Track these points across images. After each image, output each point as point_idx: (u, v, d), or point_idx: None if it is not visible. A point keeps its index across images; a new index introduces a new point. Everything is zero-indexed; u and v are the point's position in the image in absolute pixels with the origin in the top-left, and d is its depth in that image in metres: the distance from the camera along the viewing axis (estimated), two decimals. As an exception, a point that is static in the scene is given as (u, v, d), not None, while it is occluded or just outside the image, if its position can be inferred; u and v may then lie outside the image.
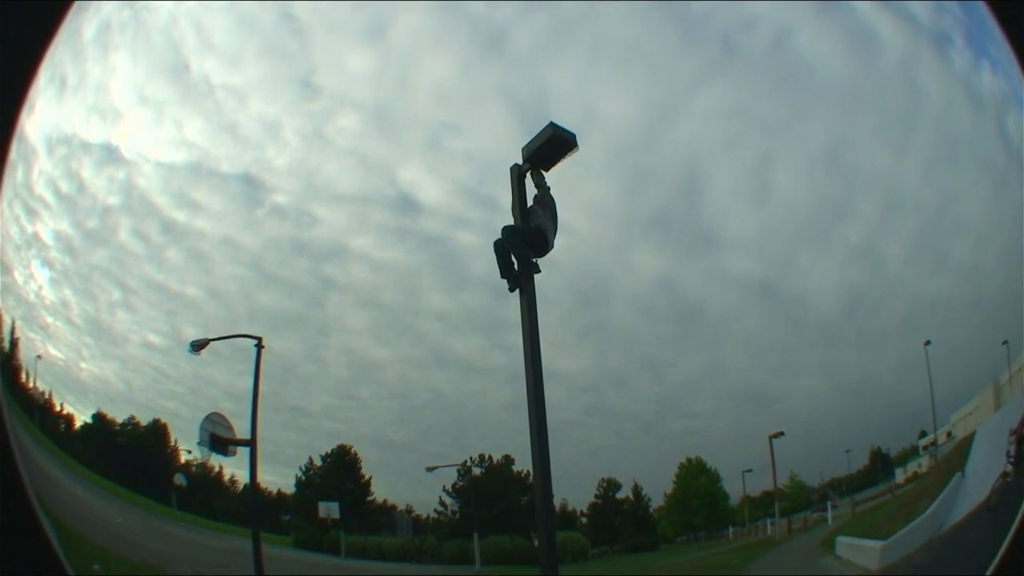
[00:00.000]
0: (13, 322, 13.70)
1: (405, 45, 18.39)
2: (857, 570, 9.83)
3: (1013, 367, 9.02)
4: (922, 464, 12.46)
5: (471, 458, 18.18)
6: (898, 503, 11.46)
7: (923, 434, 12.52)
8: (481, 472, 18.19)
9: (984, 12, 3.96)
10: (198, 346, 13.39)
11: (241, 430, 12.55)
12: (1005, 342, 9.10)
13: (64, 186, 16.67)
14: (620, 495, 18.50)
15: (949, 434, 11.19)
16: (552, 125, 6.81)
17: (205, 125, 18.71)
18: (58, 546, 3.28)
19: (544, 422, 5.80)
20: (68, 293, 16.60)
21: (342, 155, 19.37)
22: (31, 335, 14.98)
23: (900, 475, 13.23)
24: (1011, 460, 7.71)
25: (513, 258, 6.56)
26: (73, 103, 16.38)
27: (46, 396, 15.16)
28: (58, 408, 15.64)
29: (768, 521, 16.07)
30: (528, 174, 6.96)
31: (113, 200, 17.68)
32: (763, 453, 14.79)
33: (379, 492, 18.37)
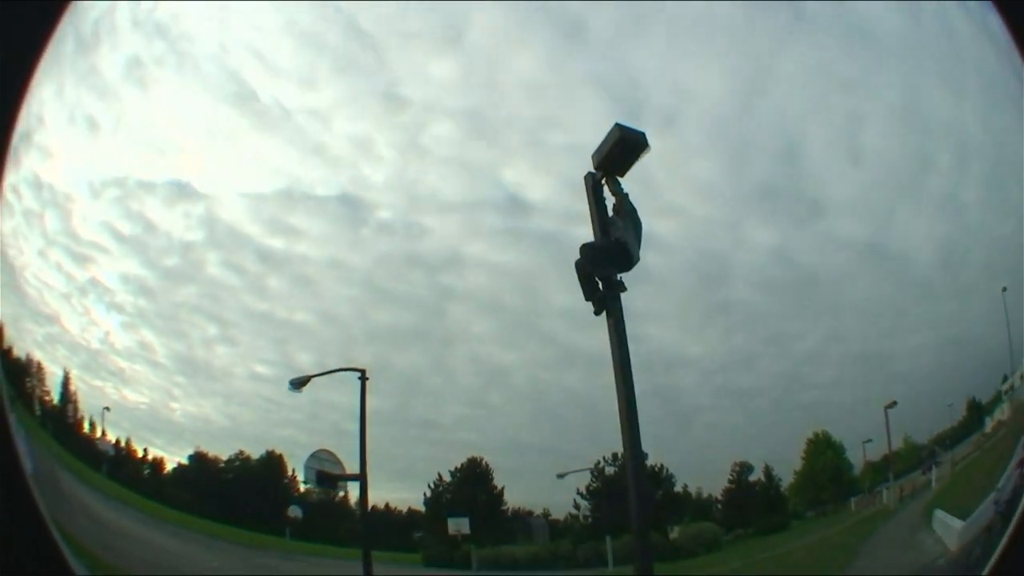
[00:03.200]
0: (66, 373, 13.59)
1: (485, 45, 18.08)
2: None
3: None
4: (1003, 409, 12.96)
5: (604, 458, 17.80)
6: (987, 459, 11.75)
7: (1005, 379, 13.05)
8: (614, 471, 18.31)
9: (991, 11, 3.93)
10: (299, 384, 13.12)
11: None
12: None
13: (125, 228, 16.36)
14: (753, 477, 18.84)
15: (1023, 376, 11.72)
16: (618, 127, 6.34)
17: (289, 150, 18.40)
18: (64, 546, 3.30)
19: (639, 444, 5.62)
20: (148, 335, 16.25)
21: (442, 163, 18.96)
22: (97, 383, 14.80)
23: (988, 423, 13.77)
24: None
25: (597, 278, 6.19)
26: (115, 144, 16.09)
27: (121, 445, 14.97)
28: (140, 454, 15.27)
29: (884, 487, 16.42)
30: (604, 182, 6.51)
31: (193, 236, 17.37)
32: (882, 419, 15.24)
33: (516, 498, 18.06)
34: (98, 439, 13.99)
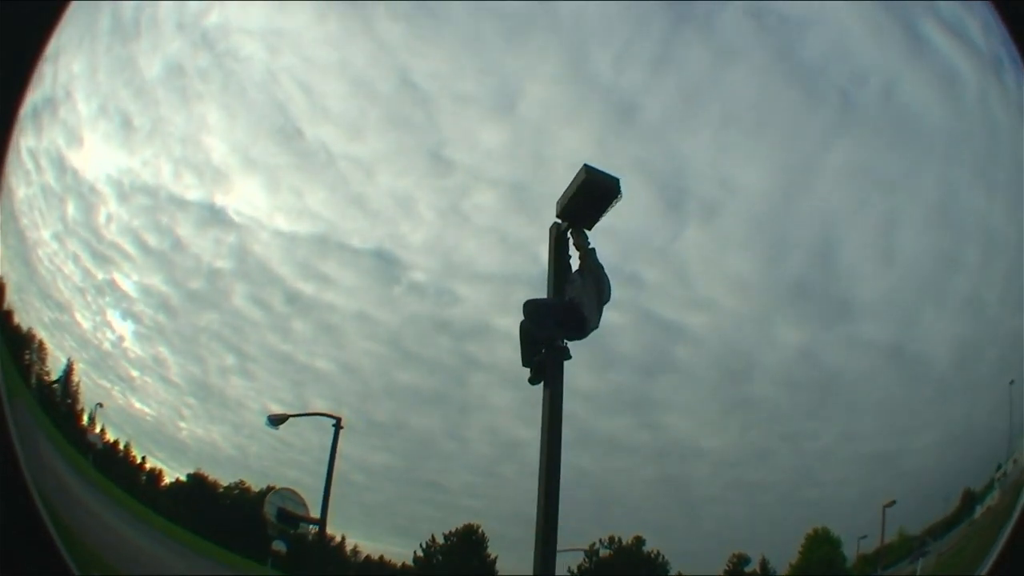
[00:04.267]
0: (70, 362, 13.55)
1: (536, 117, 18.00)
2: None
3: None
4: (994, 496, 12.90)
5: (599, 540, 17.68)
6: (972, 545, 11.84)
7: (999, 467, 13.05)
8: (609, 553, 18.34)
9: (989, 11, 3.94)
10: (276, 421, 13.25)
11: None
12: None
13: (151, 240, 16.24)
14: (749, 568, 19.01)
15: (1015, 462, 11.55)
16: (586, 169, 5.51)
17: (330, 196, 18.30)
18: (62, 546, 3.30)
19: (554, 528, 4.96)
20: (164, 351, 16.20)
21: (481, 232, 18.86)
22: (103, 383, 14.77)
23: (979, 511, 13.80)
24: None
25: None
26: (150, 150, 15.97)
27: (120, 447, 15.00)
28: (139, 460, 14.98)
29: (870, 579, 17.15)
30: (570, 234, 5.79)
31: (223, 264, 17.28)
32: (880, 516, 15.56)
33: (508, 569, 17.36)
34: (90, 432, 14.09)
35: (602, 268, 5.70)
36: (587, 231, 5.82)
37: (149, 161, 16.14)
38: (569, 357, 5.50)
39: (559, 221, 5.87)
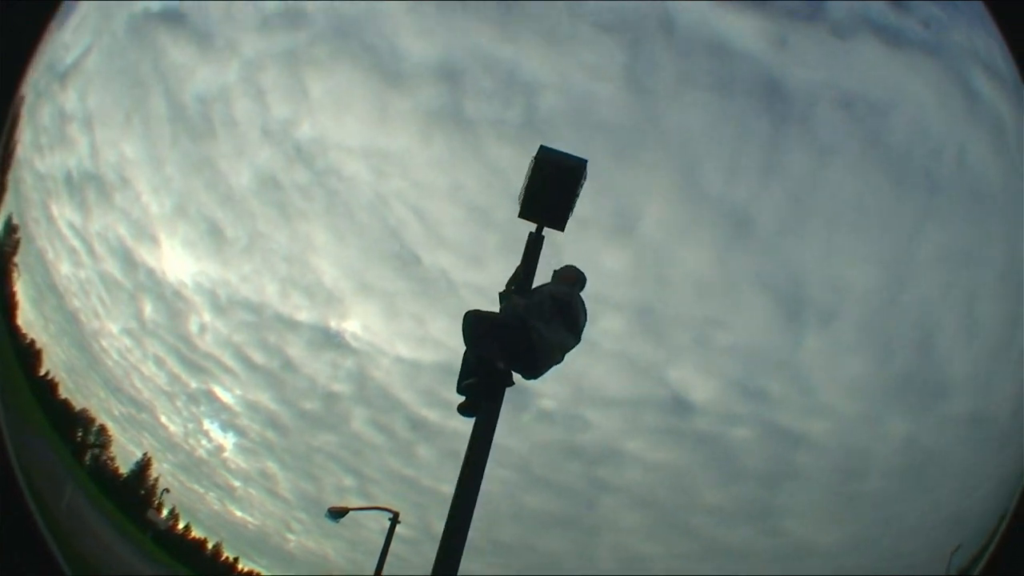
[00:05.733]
0: (146, 457, 12.98)
1: (656, 238, 17.86)
2: None
3: None
4: None
5: None
6: None
7: None
8: None
9: (983, 13, 3.94)
10: (336, 514, 13.38)
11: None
12: None
13: (257, 357, 15.86)
14: None
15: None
16: (542, 149, 4.50)
17: (452, 325, 18.08)
18: (55, 549, 3.29)
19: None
20: (272, 466, 15.84)
21: (610, 357, 18.75)
22: (195, 487, 14.26)
23: None
24: None
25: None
26: (249, 265, 15.57)
27: (209, 547, 14.65)
28: (225, 556, 15.23)
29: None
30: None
31: (341, 388, 16.91)
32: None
33: None
34: (154, 514, 13.60)
35: (582, 310, 4.57)
36: (561, 231, 4.89)
37: (249, 277, 15.62)
38: (511, 383, 4.36)
39: (531, 230, 4.83)
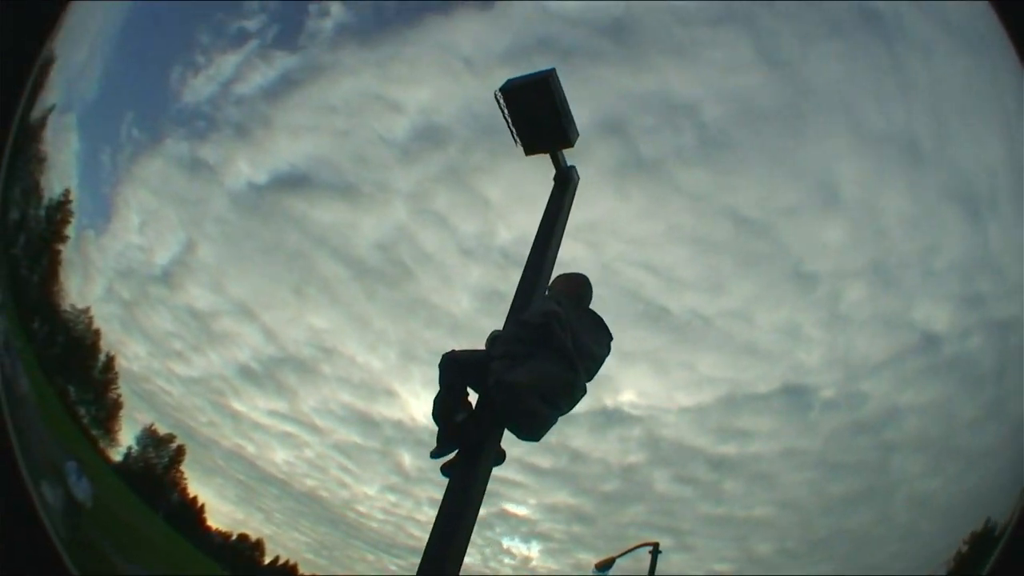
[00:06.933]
0: None
1: (858, 196, 17.45)
2: None
3: None
4: None
5: None
6: None
7: None
8: None
9: (989, 13, 3.94)
10: (605, 566, 13.29)
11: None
12: None
13: (542, 462, 15.90)
14: None
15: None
16: (506, 85, 4.10)
17: (719, 357, 17.94)
18: (61, 547, 3.29)
19: None
20: (586, 557, 15.49)
21: (863, 325, 18.35)
22: None
23: None
24: None
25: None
26: None
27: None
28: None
29: None
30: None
31: (635, 458, 16.82)
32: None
33: None
34: None
35: (588, 330, 3.55)
36: (567, 153, 4.24)
37: None
38: (476, 440, 3.34)
39: (555, 166, 4.27)
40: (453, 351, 3.63)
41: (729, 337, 17.90)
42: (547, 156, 4.36)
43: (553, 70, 4.06)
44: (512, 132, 4.34)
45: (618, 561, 13.37)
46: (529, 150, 4.45)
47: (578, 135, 4.33)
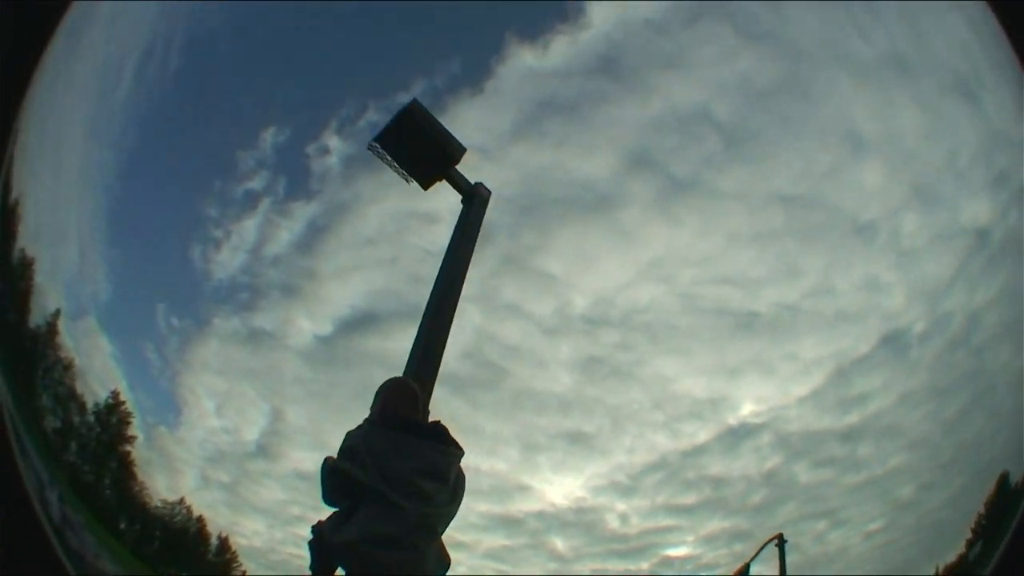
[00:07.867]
0: None
1: (878, 130, 17.52)
2: None
3: None
4: None
5: None
6: None
7: None
8: None
9: (986, 13, 3.95)
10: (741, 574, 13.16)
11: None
12: None
13: (686, 499, 15.84)
14: None
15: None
16: (376, 138, 4.32)
17: (815, 339, 17.92)
18: (59, 548, 3.27)
19: None
20: (756, 569, 15.69)
21: (926, 250, 17.89)
22: None
23: None
24: None
25: None
26: (624, 439, 16.30)
27: None
28: None
29: None
30: None
31: (773, 462, 16.87)
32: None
33: None
34: None
35: (407, 456, 3.11)
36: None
37: (632, 447, 15.57)
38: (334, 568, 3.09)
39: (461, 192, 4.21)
40: (327, 460, 3.28)
41: (818, 315, 17.82)
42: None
43: (414, 100, 4.16)
44: (403, 175, 4.41)
45: (752, 566, 13.37)
46: (426, 184, 4.51)
47: (464, 149, 4.41)
